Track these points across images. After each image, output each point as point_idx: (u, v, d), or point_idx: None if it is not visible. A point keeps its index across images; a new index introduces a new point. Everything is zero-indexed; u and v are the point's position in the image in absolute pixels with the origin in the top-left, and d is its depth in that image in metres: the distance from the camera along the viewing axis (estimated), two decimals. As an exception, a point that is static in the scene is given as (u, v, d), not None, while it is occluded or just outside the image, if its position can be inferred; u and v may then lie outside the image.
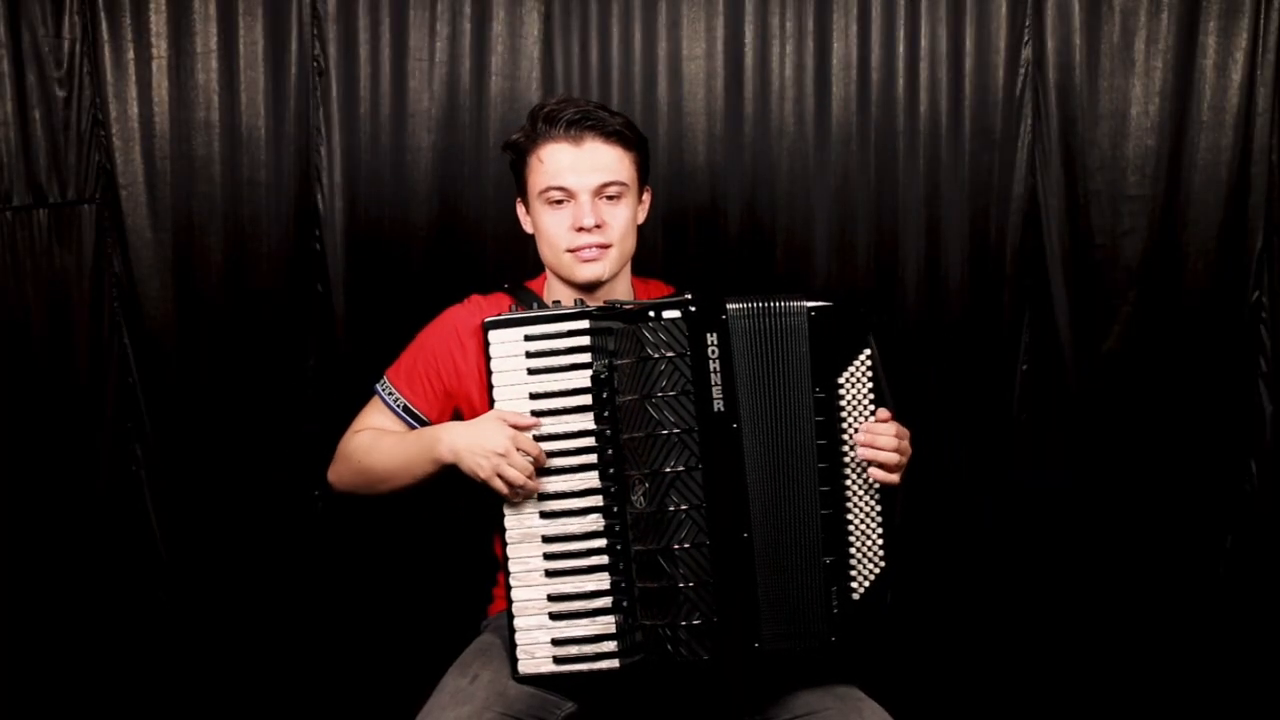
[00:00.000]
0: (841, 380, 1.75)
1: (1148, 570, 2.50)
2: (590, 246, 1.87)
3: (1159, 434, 2.47)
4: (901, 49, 2.45)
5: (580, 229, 1.86)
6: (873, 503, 1.77)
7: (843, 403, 1.75)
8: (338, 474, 2.00)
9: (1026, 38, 2.44)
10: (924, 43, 2.45)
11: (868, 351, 1.77)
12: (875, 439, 1.74)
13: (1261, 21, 2.40)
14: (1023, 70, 2.44)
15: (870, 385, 1.77)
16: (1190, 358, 2.46)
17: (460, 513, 2.32)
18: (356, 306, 2.48)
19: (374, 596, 2.52)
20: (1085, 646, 2.53)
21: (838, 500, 1.75)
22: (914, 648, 2.40)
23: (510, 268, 2.33)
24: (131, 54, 2.43)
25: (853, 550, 1.75)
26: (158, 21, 2.43)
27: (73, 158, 2.44)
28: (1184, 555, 2.50)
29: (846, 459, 1.76)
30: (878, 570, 1.76)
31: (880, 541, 1.77)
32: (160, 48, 2.43)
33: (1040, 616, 2.53)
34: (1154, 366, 2.46)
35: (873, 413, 1.77)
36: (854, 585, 1.75)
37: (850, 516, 1.76)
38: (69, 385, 2.46)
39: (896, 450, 1.75)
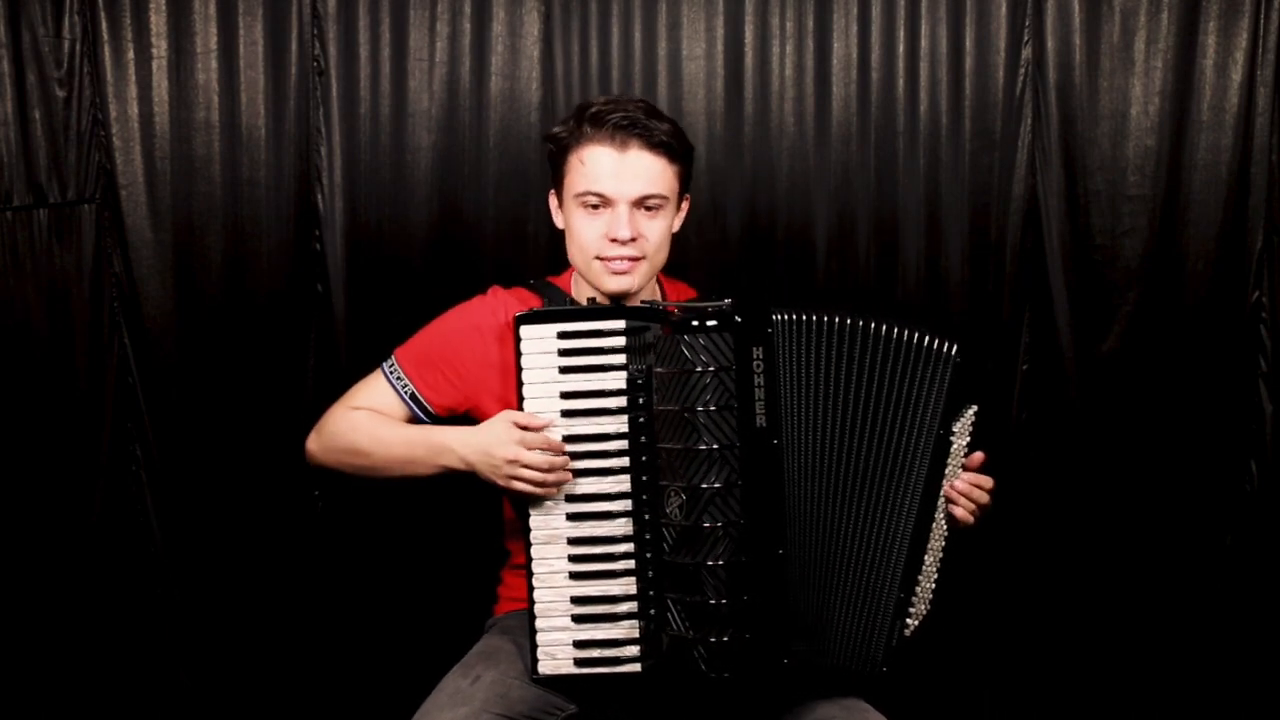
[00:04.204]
0: (955, 428, 1.77)
1: (1148, 570, 2.50)
2: (622, 259, 1.82)
3: (1159, 434, 2.47)
4: (901, 49, 2.45)
5: (614, 240, 1.81)
6: (941, 547, 1.79)
7: (952, 449, 1.77)
8: (322, 448, 1.93)
9: (1026, 38, 2.43)
10: (924, 43, 2.45)
11: (974, 408, 1.80)
12: (972, 491, 1.79)
13: (1261, 21, 2.40)
14: (1023, 70, 2.44)
15: (969, 439, 1.80)
16: (1190, 358, 2.46)
17: (464, 506, 2.33)
18: (356, 306, 2.48)
19: (375, 596, 2.51)
20: (1085, 646, 2.53)
21: (923, 540, 1.75)
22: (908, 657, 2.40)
23: (511, 268, 2.34)
24: (131, 54, 2.43)
25: (917, 589, 1.76)
26: (158, 21, 2.43)
27: (73, 158, 2.44)
28: (1184, 555, 2.50)
29: (940, 501, 1.77)
30: (926, 611, 1.78)
31: (934, 586, 1.79)
32: (160, 48, 2.43)
33: (1040, 616, 2.53)
34: (1154, 366, 2.46)
35: (961, 465, 1.80)
36: (909, 622, 1.76)
37: (926, 557, 1.77)
38: (69, 385, 2.46)
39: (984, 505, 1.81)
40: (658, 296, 1.97)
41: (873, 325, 1.71)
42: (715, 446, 1.64)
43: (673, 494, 1.67)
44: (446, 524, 2.46)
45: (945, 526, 1.81)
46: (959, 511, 1.79)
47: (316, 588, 2.52)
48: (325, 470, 1.97)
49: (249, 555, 2.51)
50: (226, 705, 2.53)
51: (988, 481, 1.81)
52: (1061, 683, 2.54)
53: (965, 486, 1.79)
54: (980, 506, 1.81)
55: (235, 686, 2.53)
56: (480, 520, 2.11)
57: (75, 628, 2.50)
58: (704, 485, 1.64)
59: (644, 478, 1.71)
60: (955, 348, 1.72)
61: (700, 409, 1.64)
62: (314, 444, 1.95)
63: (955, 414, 1.77)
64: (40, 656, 2.49)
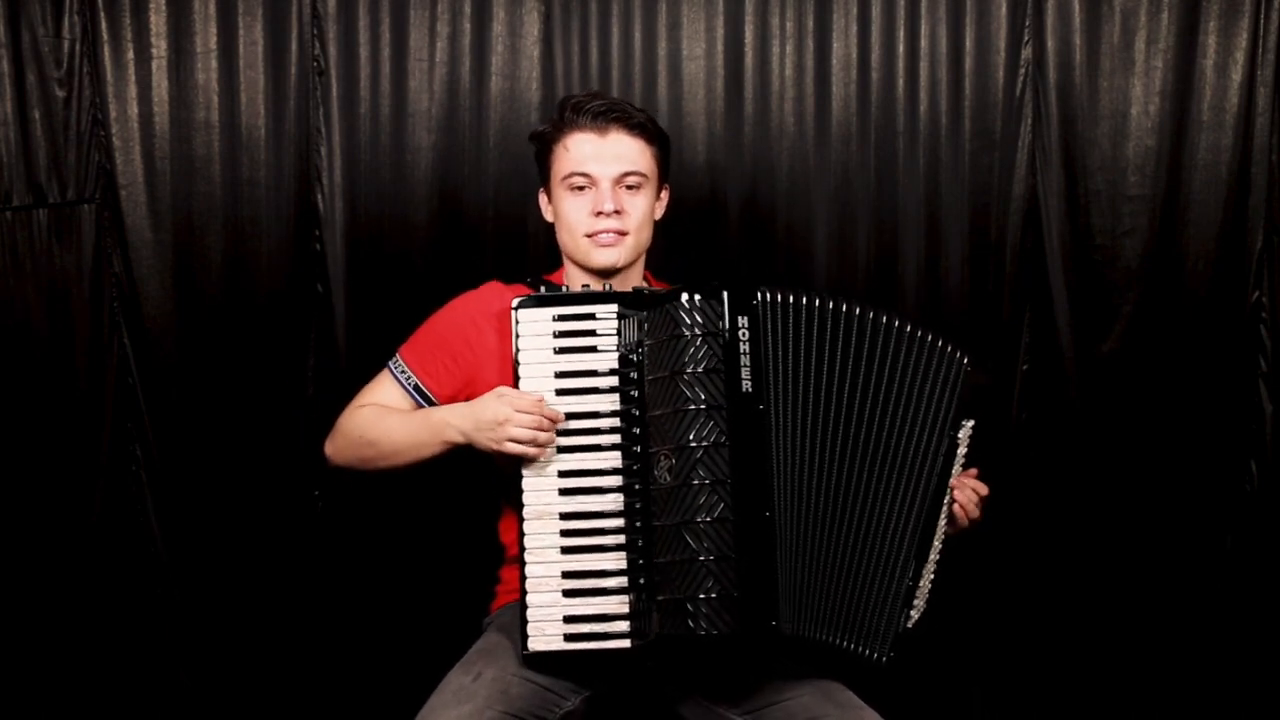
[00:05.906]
0: (960, 435, 1.84)
1: (1148, 571, 2.50)
2: (608, 231, 1.91)
3: (1159, 434, 2.48)
4: (901, 49, 2.45)
5: (599, 213, 1.90)
6: (939, 547, 1.83)
7: (957, 452, 1.83)
8: (336, 448, 2.00)
9: (1026, 38, 2.44)
10: (924, 43, 2.45)
11: (973, 422, 1.86)
12: (973, 495, 1.87)
13: (1261, 21, 2.41)
14: (1023, 70, 2.44)
15: (966, 449, 1.86)
16: (1190, 358, 2.46)
17: (462, 506, 2.33)
18: (356, 306, 2.48)
19: (375, 596, 2.51)
20: (1084, 646, 2.53)
21: (931, 532, 1.80)
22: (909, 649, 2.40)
23: (511, 267, 2.33)
24: (131, 54, 2.43)
25: (921, 583, 1.80)
26: (158, 21, 2.43)
27: (73, 158, 2.44)
28: (1184, 555, 2.50)
29: (945, 503, 1.83)
30: (924, 608, 1.82)
31: (931, 585, 1.83)
32: (160, 48, 2.43)
33: (1038, 615, 2.53)
34: (1154, 366, 2.47)
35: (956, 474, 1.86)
36: (912, 614, 1.79)
37: (931, 554, 1.81)
38: (69, 385, 2.46)
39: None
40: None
41: (868, 314, 1.77)
42: (703, 406, 1.69)
43: (662, 457, 1.72)
44: (445, 522, 2.46)
45: (945, 526, 1.84)
46: (957, 511, 1.86)
47: (316, 587, 2.52)
48: (344, 471, 2.02)
49: (249, 555, 2.51)
50: (226, 705, 2.53)
51: (983, 488, 1.89)
52: (1057, 682, 2.54)
53: (968, 490, 1.86)
54: (979, 509, 1.88)
55: (235, 686, 2.53)
56: (479, 518, 2.11)
57: (75, 628, 2.50)
58: (692, 444, 1.69)
59: (635, 449, 1.75)
60: (967, 357, 1.82)
61: (688, 372, 1.70)
62: (329, 447, 2.02)
63: (961, 421, 1.83)
64: (40, 656, 2.49)
